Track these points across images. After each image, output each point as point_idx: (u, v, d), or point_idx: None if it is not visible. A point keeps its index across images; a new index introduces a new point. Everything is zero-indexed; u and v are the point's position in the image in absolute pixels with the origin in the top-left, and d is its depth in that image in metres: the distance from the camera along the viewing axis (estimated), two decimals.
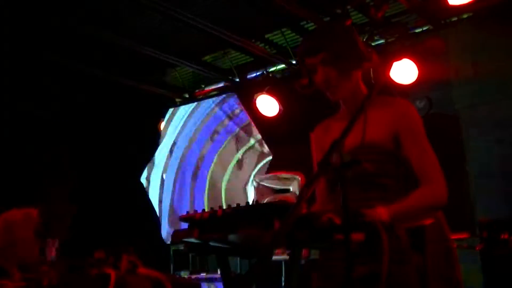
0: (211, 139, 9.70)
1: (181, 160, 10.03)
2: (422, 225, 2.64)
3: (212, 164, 9.65)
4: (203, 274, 8.17)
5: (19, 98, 8.32)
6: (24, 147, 5.11)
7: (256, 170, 9.12)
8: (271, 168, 8.62)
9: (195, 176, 9.82)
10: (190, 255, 8.88)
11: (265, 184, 7.44)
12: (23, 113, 8.36)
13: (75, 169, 8.41)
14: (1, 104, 8.13)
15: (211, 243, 2.49)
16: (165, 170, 10.19)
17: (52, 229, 5.04)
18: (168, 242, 9.43)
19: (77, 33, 7.66)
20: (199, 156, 9.81)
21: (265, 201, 2.51)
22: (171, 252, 9.24)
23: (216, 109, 9.62)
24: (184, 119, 10.09)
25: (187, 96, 10.13)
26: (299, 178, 7.15)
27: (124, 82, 9.11)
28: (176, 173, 10.05)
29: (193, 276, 8.08)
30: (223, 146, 9.56)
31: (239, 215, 2.29)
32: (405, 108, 2.79)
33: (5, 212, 4.94)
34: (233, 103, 9.37)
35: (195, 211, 2.46)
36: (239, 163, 9.34)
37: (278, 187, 7.30)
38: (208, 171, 9.67)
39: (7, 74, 7.99)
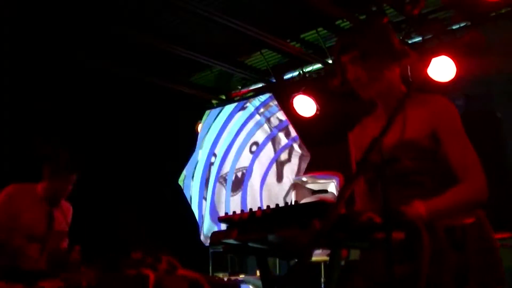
0: (251, 147, 9.69)
1: (221, 163, 10.05)
2: (463, 224, 2.60)
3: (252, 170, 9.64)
4: (242, 276, 8.17)
5: (54, 100, 8.39)
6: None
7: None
8: (309, 168, 8.60)
9: (234, 179, 9.83)
10: (228, 257, 8.89)
11: (303, 185, 7.43)
12: (56, 114, 8.44)
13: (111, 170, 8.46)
14: (37, 105, 8.22)
15: (250, 244, 2.47)
16: (204, 172, 10.22)
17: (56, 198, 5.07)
18: (207, 244, 9.46)
19: (111, 34, 7.71)
20: (237, 161, 9.82)
21: (303, 202, 2.49)
22: (210, 254, 9.26)
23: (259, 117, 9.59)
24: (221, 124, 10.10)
25: (223, 97, 10.15)
26: (338, 178, 7.12)
27: (160, 83, 9.15)
28: (215, 176, 10.07)
29: (232, 278, 8.09)
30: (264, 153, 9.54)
31: (278, 216, 2.28)
32: (443, 105, 2.76)
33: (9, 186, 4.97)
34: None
35: (234, 212, 2.46)
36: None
37: (317, 187, 7.28)
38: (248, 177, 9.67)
39: (45, 78, 8.08)
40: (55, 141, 5.18)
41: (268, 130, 9.45)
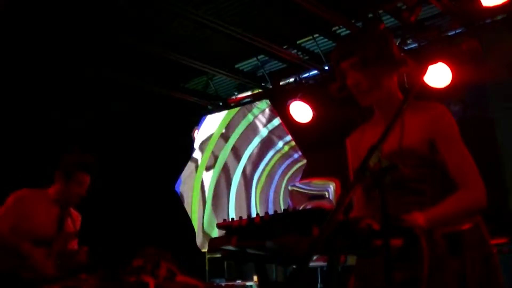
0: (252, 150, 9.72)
1: (218, 168, 10.07)
2: (460, 230, 2.61)
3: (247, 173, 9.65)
4: (238, 282, 8.18)
5: (52, 107, 8.40)
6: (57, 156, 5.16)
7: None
8: (306, 174, 8.61)
9: (230, 184, 9.84)
10: (225, 262, 8.89)
11: (300, 191, 7.44)
12: (57, 122, 8.44)
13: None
14: (34, 113, 8.22)
15: (249, 251, 2.48)
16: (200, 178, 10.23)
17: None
18: (204, 250, 9.46)
19: (109, 41, 7.72)
20: (235, 164, 9.84)
21: (302, 208, 2.50)
22: (206, 260, 9.26)
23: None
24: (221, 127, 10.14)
25: (220, 103, 10.16)
26: (334, 184, 7.14)
27: (157, 90, 9.17)
28: (211, 182, 10.08)
29: (230, 284, 8.09)
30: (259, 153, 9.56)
31: (277, 222, 2.28)
32: (440, 112, 2.77)
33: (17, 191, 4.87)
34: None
35: (232, 218, 2.46)
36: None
37: (313, 193, 7.29)
38: (243, 180, 9.68)
39: (41, 83, 8.08)
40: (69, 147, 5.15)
41: (260, 131, 9.50)
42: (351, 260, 2.85)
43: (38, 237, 4.69)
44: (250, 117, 9.66)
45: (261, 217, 2.34)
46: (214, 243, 2.56)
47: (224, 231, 2.50)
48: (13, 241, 4.59)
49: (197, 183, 10.17)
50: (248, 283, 7.99)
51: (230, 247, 2.46)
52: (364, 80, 2.74)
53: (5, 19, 6.87)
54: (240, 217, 2.43)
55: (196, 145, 10.32)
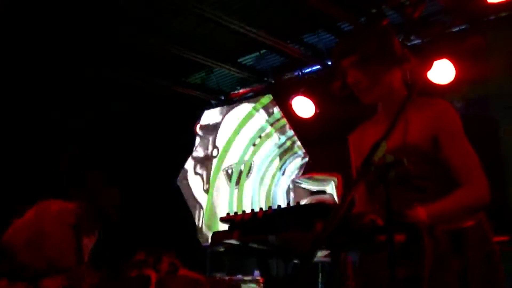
0: (253, 144, 9.69)
1: (220, 163, 10.06)
2: (463, 228, 2.60)
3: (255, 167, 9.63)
4: (239, 276, 8.16)
5: (52, 107, 8.39)
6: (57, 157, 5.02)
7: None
8: (307, 169, 8.60)
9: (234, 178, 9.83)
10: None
11: (301, 186, 7.43)
12: (57, 122, 8.43)
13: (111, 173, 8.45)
14: (34, 113, 8.21)
15: (251, 245, 2.47)
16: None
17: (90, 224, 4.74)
18: (205, 244, 9.45)
19: (110, 35, 7.70)
20: (239, 159, 9.82)
21: (305, 203, 2.49)
22: (208, 254, 9.25)
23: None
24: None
25: (222, 98, 10.15)
26: (336, 180, 7.12)
27: (159, 84, 9.16)
28: (215, 175, 10.08)
29: (231, 278, 8.07)
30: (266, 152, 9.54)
31: (280, 217, 2.28)
32: (444, 109, 2.76)
33: (40, 202, 4.62)
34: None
35: (235, 212, 2.46)
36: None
37: (315, 188, 7.27)
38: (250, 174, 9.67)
39: (40, 83, 8.07)
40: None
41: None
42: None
43: (53, 262, 4.35)
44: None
45: (264, 211, 2.34)
46: (217, 237, 2.55)
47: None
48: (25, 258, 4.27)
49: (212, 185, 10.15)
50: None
51: (232, 241, 2.46)
52: (364, 78, 2.73)
53: (5, 19, 6.87)
54: (243, 211, 2.43)
55: (198, 138, 10.30)
